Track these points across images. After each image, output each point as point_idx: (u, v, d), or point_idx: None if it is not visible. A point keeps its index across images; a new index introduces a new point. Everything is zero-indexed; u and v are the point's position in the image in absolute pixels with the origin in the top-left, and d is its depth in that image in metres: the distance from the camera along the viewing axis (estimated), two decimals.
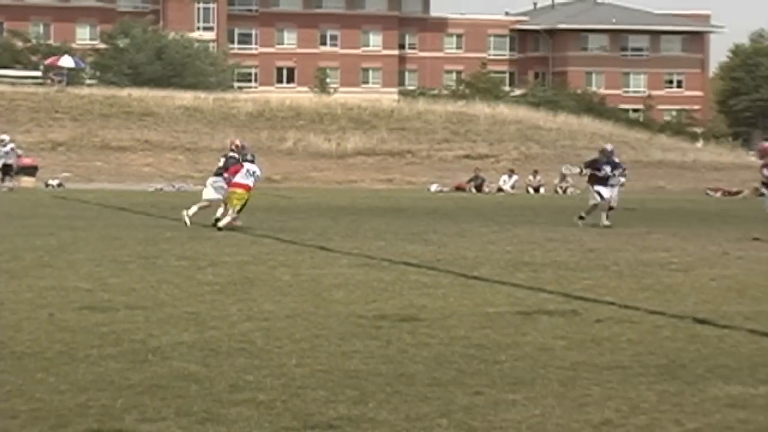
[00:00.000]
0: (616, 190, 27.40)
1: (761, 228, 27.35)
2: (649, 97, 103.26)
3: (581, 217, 26.71)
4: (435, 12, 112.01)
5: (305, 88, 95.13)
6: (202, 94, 69.64)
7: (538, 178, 58.10)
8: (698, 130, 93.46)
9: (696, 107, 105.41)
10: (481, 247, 20.90)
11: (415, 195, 47.55)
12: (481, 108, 73.99)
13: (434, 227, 26.14)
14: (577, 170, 30.98)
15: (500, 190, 56.27)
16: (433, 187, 56.02)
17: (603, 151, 28.08)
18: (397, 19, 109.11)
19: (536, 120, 73.14)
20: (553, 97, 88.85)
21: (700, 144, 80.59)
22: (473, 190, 55.67)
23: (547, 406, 7.76)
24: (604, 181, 27.05)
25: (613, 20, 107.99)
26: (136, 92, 67.80)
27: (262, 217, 27.83)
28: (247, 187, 24.41)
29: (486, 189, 55.94)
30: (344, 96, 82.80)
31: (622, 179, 28.45)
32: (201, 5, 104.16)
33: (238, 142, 27.17)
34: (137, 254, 17.98)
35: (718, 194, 57.64)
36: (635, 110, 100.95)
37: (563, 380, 8.65)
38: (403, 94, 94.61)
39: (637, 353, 9.89)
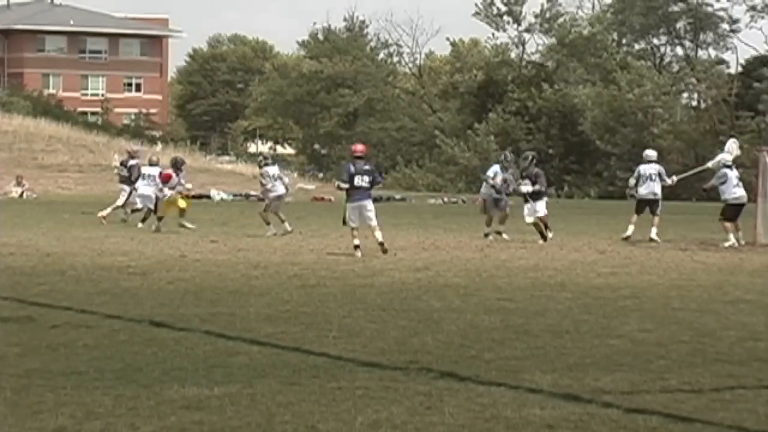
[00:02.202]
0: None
1: (217, 231, 28.03)
2: (107, 100, 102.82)
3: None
4: None
5: None
6: None
7: None
8: (157, 133, 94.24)
9: (155, 111, 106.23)
10: None
11: None
12: None
13: None
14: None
15: None
16: None
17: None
18: None
19: None
20: (8, 98, 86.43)
21: (159, 148, 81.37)
22: None
23: None
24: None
25: (71, 22, 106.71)
26: None
27: None
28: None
29: None
30: None
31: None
32: None
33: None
34: None
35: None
36: (94, 113, 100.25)
37: (16, 388, 8.39)
38: None
39: (94, 358, 9.77)
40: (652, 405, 8.16)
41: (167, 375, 9.05)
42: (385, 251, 21.00)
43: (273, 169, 27.71)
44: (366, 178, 21.52)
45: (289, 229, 26.84)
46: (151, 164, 30.32)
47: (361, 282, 16.47)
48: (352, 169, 21.56)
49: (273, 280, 16.63)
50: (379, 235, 21.36)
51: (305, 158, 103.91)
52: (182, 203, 28.10)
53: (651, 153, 28.35)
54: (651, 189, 26.85)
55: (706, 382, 9.09)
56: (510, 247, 24.02)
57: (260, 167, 28.30)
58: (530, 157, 26.59)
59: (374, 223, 21.57)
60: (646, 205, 26.89)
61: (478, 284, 16.43)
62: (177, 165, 28.48)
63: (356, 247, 21.17)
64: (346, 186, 21.78)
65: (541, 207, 25.59)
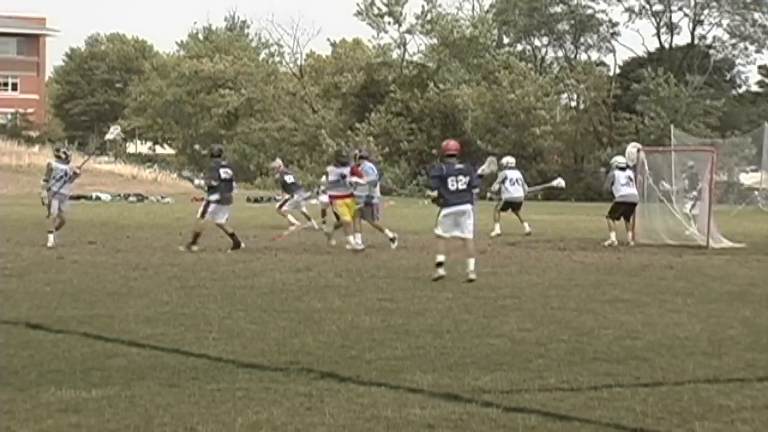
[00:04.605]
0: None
1: (96, 231, 27.69)
2: None
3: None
4: None
5: None
6: None
7: None
8: (34, 133, 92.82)
9: (32, 110, 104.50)
10: None
11: None
12: None
13: None
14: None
15: None
16: None
17: None
18: None
19: None
20: None
21: (36, 148, 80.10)
22: None
23: None
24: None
25: None
26: None
27: None
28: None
29: None
30: None
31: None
32: None
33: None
34: None
35: None
36: None
37: None
38: None
39: None
40: (531, 404, 8.23)
41: (44, 378, 8.91)
42: (470, 280, 16.94)
43: (64, 166, 23.73)
44: (462, 179, 17.56)
45: (51, 244, 22.80)
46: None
47: (242, 283, 16.39)
48: (444, 170, 17.72)
49: (152, 281, 16.47)
50: (472, 263, 17.30)
51: (185, 158, 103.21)
52: (346, 212, 23.44)
53: (512, 160, 30.44)
54: (519, 192, 29.58)
55: (584, 380, 9.19)
56: (390, 247, 24.08)
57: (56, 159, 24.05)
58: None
59: (470, 235, 17.66)
60: (511, 205, 29.45)
61: (359, 285, 16.44)
62: (344, 160, 24.22)
63: (439, 264, 17.19)
64: (434, 194, 17.86)
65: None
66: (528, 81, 76.71)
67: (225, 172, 22.83)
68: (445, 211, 17.64)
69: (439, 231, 17.66)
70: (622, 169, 26.74)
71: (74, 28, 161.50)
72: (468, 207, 17.64)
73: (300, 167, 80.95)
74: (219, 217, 22.78)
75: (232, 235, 22.62)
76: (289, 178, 30.74)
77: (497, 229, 28.50)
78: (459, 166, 17.80)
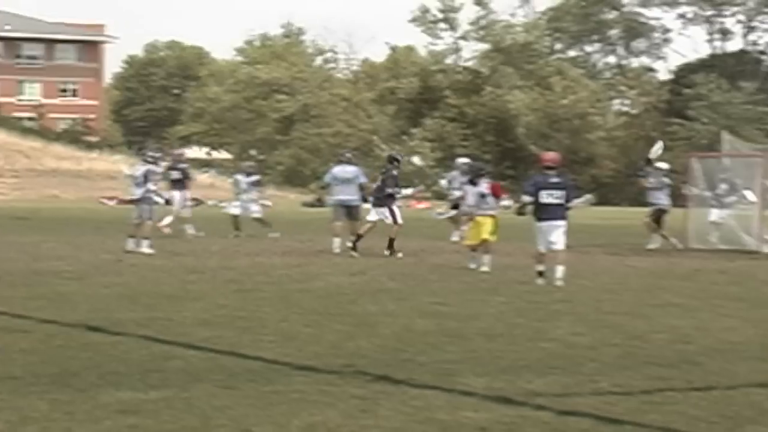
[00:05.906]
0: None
1: (153, 235, 27.91)
2: (41, 105, 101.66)
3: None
4: None
5: None
6: None
7: None
8: (93, 139, 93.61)
9: (92, 116, 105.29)
10: None
11: None
12: None
13: None
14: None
15: None
16: None
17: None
18: None
19: None
20: None
21: (95, 153, 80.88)
22: None
23: None
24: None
25: (7, 27, 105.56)
26: None
27: None
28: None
29: None
30: None
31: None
32: None
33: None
34: None
35: (113, 202, 58.19)
36: (30, 118, 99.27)
37: None
38: None
39: (29, 363, 9.71)
40: (584, 407, 8.26)
41: (103, 379, 9.03)
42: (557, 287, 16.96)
43: (140, 169, 23.75)
44: (555, 193, 17.28)
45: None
46: None
47: (297, 286, 16.50)
48: (540, 181, 17.50)
49: (209, 284, 16.62)
50: (560, 270, 17.26)
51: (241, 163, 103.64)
52: (489, 233, 20.29)
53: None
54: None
55: (636, 384, 9.21)
56: (444, 251, 24.14)
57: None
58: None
59: (560, 246, 17.53)
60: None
61: (412, 288, 16.51)
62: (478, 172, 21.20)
63: (539, 273, 17.41)
64: (528, 199, 17.50)
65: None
66: (580, 87, 76.49)
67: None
68: (537, 225, 17.65)
69: (538, 247, 17.73)
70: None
71: (132, 35, 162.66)
72: (560, 223, 17.50)
73: None
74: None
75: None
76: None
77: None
78: (555, 179, 17.46)
